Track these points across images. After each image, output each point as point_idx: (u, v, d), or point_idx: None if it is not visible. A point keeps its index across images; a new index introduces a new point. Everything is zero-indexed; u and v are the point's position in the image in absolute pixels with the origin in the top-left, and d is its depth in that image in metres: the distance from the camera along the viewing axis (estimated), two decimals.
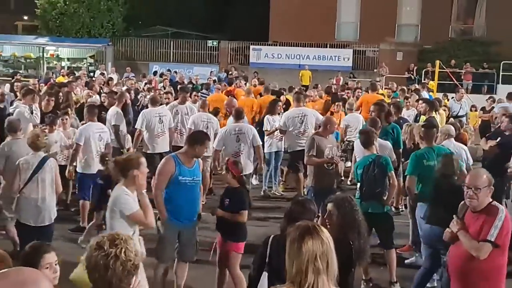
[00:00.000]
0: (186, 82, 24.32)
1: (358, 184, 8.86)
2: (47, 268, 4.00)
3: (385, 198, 8.71)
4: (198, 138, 7.89)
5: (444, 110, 16.27)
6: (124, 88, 17.37)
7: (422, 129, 9.76)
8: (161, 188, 7.42)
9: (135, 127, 12.84)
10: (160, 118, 12.43)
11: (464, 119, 17.82)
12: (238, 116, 11.88)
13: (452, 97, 20.53)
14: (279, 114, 14.16)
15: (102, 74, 25.74)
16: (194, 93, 15.77)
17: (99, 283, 3.52)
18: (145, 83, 21.24)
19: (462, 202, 5.80)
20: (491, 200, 5.33)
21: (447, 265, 5.82)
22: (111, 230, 5.61)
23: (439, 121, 13.65)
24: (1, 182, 9.65)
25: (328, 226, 4.98)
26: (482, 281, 5.17)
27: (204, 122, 12.41)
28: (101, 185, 10.06)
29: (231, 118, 12.63)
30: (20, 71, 32.06)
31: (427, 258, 8.03)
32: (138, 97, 17.25)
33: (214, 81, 24.88)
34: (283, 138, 13.43)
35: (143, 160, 6.37)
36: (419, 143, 9.72)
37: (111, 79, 21.95)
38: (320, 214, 8.74)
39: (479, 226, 5.17)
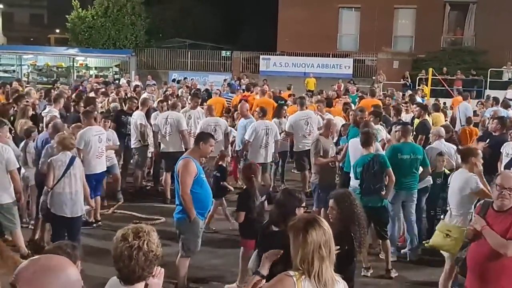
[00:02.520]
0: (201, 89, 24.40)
1: (358, 181, 8.78)
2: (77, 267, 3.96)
3: (383, 193, 8.66)
4: (202, 137, 7.87)
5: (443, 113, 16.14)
6: (145, 94, 17.33)
7: (399, 127, 9.85)
8: (189, 189, 7.31)
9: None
10: (167, 121, 12.31)
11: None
12: (264, 114, 12.46)
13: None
14: (285, 117, 14.22)
15: (128, 82, 25.80)
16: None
17: (124, 271, 3.50)
18: (165, 90, 21.18)
19: (483, 201, 5.76)
20: None
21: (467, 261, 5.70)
22: None
23: (435, 123, 13.60)
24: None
25: (331, 220, 4.94)
26: (504, 277, 5.08)
27: (211, 126, 12.31)
28: (217, 177, 10.47)
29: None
30: (53, 79, 32.25)
31: None
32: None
33: (228, 85, 24.99)
34: (288, 139, 13.43)
35: None
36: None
37: (137, 86, 22.00)
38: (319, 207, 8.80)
39: (509, 224, 5.06)
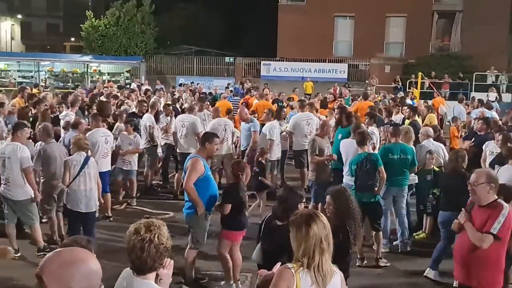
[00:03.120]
0: (206, 92, 24.46)
1: (352, 178, 8.80)
2: None
3: (376, 189, 8.68)
4: (207, 137, 7.87)
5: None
6: (154, 98, 17.35)
7: (391, 127, 9.89)
8: (193, 184, 7.32)
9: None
10: (183, 125, 12.34)
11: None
12: (273, 114, 13.06)
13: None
14: (284, 119, 14.24)
15: (139, 86, 25.83)
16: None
17: (136, 262, 3.51)
18: (172, 94, 21.19)
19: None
20: (496, 197, 5.22)
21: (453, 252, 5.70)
22: None
23: (429, 122, 13.64)
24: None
25: (328, 215, 4.95)
26: (482, 269, 5.09)
27: (221, 126, 12.42)
28: (257, 173, 10.53)
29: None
30: (68, 84, 32.36)
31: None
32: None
33: (231, 91, 25.07)
34: (288, 139, 13.45)
35: None
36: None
37: (148, 90, 22.02)
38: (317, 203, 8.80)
39: (485, 219, 5.08)
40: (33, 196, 8.50)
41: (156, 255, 3.50)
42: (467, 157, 10.35)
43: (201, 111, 13.83)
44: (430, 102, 19.84)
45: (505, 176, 7.74)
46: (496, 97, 26.03)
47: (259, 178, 10.45)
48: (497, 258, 5.10)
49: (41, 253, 8.43)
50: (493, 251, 5.04)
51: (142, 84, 26.87)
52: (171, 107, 14.13)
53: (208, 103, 16.97)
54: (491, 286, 5.11)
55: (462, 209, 5.40)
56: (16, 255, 8.52)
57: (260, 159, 10.87)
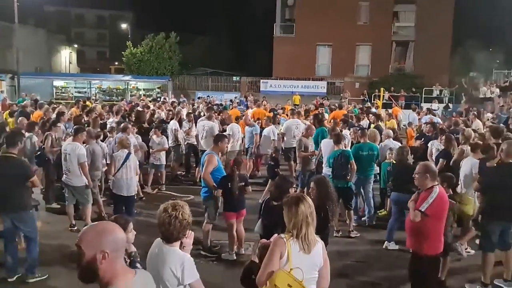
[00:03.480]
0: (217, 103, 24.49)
1: (331, 169, 8.78)
2: (131, 231, 3.97)
3: (348, 177, 8.66)
4: (220, 137, 7.92)
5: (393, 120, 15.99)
6: (178, 108, 17.33)
7: (359, 130, 10.05)
8: (209, 173, 7.36)
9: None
10: (204, 128, 12.31)
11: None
12: (270, 120, 13.40)
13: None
14: (278, 123, 14.21)
15: (165, 100, 25.77)
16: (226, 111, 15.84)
17: (165, 233, 3.53)
18: (193, 105, 21.14)
19: None
20: (436, 183, 5.18)
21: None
22: None
23: (391, 126, 13.61)
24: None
25: (312, 197, 4.93)
26: (423, 238, 5.09)
27: (236, 129, 12.63)
28: (273, 165, 10.60)
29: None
30: (113, 98, 32.36)
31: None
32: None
33: (237, 103, 25.01)
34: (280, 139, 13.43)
35: None
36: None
37: (174, 102, 21.98)
38: (303, 188, 8.75)
39: (421, 200, 5.10)
40: (87, 183, 8.52)
41: (180, 228, 3.52)
42: (418, 152, 10.42)
43: (210, 119, 13.58)
44: (390, 110, 19.78)
45: (467, 166, 7.75)
46: (438, 107, 25.99)
47: (275, 170, 10.43)
48: (434, 229, 5.07)
49: (72, 228, 8.55)
50: (429, 224, 5.02)
51: (165, 101, 26.69)
52: (192, 115, 14.11)
53: (216, 112, 16.84)
54: (431, 251, 5.09)
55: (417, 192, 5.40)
56: (74, 228, 8.56)
57: (274, 155, 10.92)
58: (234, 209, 7.28)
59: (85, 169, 8.44)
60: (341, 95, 32.19)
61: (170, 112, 14.43)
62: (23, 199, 6.53)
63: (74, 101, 20.67)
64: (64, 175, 8.59)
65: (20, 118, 11.82)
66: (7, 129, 12.43)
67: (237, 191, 7.16)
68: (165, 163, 11.92)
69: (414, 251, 5.25)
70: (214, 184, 7.33)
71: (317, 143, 10.55)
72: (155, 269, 3.41)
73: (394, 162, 9.26)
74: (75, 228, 8.51)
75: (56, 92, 33.83)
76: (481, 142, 8.42)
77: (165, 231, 3.53)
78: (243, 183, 7.25)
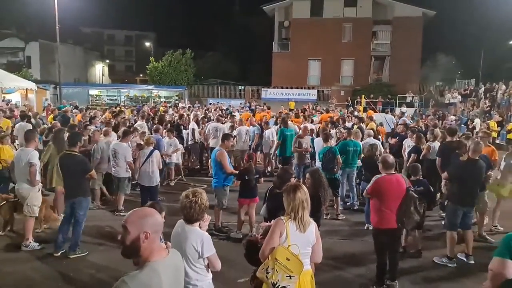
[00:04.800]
0: (224, 108, 24.22)
1: (321, 162, 8.75)
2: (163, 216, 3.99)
3: (335, 170, 8.65)
4: (226, 136, 7.88)
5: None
6: (194, 112, 17.28)
7: (345, 130, 10.11)
8: (227, 165, 7.42)
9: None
10: (217, 130, 12.16)
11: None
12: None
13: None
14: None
15: (183, 106, 25.62)
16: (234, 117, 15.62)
17: (187, 216, 3.55)
18: (205, 110, 21.10)
19: None
20: (387, 173, 5.43)
21: None
22: None
23: (370, 127, 13.58)
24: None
25: (307, 186, 4.94)
26: (372, 214, 5.59)
27: (244, 131, 12.39)
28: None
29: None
30: (139, 104, 32.27)
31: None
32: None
33: (242, 107, 24.89)
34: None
35: None
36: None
37: (190, 107, 21.95)
38: (299, 178, 8.73)
39: None
40: (130, 176, 8.63)
41: (200, 211, 3.54)
42: (393, 148, 10.38)
43: (219, 121, 13.45)
44: (364, 114, 19.70)
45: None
46: (406, 110, 25.50)
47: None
48: (373, 206, 5.48)
49: (117, 213, 8.53)
50: (371, 202, 5.56)
51: (183, 105, 26.63)
52: (205, 119, 14.09)
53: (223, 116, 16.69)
54: (374, 223, 5.52)
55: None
56: (121, 213, 8.50)
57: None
58: (249, 196, 7.26)
59: (131, 166, 8.46)
60: (329, 101, 32.10)
61: (185, 116, 14.34)
62: (83, 188, 6.63)
63: (107, 107, 20.69)
64: (112, 169, 8.66)
65: (54, 121, 11.82)
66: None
67: (254, 182, 7.20)
68: (176, 161, 11.40)
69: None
70: (235, 172, 7.40)
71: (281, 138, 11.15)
72: (178, 245, 3.42)
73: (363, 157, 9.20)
74: (123, 213, 8.41)
75: (91, 100, 33.72)
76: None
77: (187, 213, 3.54)
78: (258, 176, 7.29)
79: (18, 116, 13.76)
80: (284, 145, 11.12)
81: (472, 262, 6.48)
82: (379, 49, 37.27)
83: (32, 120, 13.28)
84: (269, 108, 20.95)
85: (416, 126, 12.85)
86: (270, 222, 3.95)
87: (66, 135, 9.71)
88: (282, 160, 11.24)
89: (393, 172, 5.45)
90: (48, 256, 6.43)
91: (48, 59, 42.82)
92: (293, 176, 5.43)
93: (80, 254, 6.49)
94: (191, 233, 3.53)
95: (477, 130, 16.63)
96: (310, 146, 10.28)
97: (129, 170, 8.56)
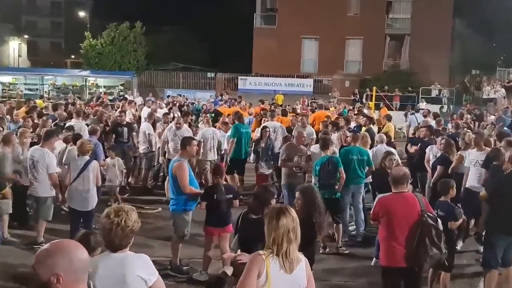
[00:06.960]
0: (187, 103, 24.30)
1: (317, 178, 8.74)
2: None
3: (336, 187, 8.69)
4: (187, 141, 7.70)
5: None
6: (145, 108, 17.09)
7: (349, 134, 10.33)
8: (188, 182, 7.24)
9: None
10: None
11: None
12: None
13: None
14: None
15: (131, 100, 25.12)
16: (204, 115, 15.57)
17: (106, 240, 3.57)
18: (167, 105, 20.92)
19: None
20: (397, 190, 5.48)
21: None
22: None
23: (388, 131, 13.80)
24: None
25: (297, 209, 4.94)
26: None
27: (209, 135, 12.21)
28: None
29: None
30: (68, 96, 31.86)
31: None
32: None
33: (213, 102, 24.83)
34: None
35: None
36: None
37: (141, 104, 21.65)
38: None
39: None
40: (55, 196, 8.60)
41: (122, 235, 3.54)
42: (413, 158, 10.55)
43: (186, 122, 13.23)
44: (377, 112, 20.03)
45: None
46: (424, 108, 25.96)
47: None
48: (381, 237, 5.57)
49: (36, 246, 8.33)
50: (379, 232, 5.69)
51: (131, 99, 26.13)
52: (169, 116, 13.87)
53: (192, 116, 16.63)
54: (382, 261, 5.55)
55: None
56: (41, 246, 8.33)
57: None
58: (219, 224, 7.10)
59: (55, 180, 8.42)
60: (330, 94, 32.33)
61: (133, 113, 14.20)
62: None
63: (23, 100, 20.33)
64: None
65: None
66: None
67: (225, 204, 7.06)
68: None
69: None
70: (199, 192, 7.31)
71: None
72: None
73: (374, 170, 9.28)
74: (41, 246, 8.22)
75: (2, 89, 33.21)
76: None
77: (105, 237, 3.56)
78: (231, 195, 7.13)
79: None
80: (239, 145, 11.68)
81: None
82: (396, 26, 37.90)
83: None
84: (251, 105, 21.05)
85: (439, 129, 13.09)
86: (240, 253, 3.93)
87: None
88: (231, 165, 11.67)
89: (405, 190, 5.44)
90: None
91: None
92: (275, 196, 5.42)
93: None
94: (126, 259, 3.53)
95: None
96: (303, 159, 9.78)
97: (53, 187, 8.39)
